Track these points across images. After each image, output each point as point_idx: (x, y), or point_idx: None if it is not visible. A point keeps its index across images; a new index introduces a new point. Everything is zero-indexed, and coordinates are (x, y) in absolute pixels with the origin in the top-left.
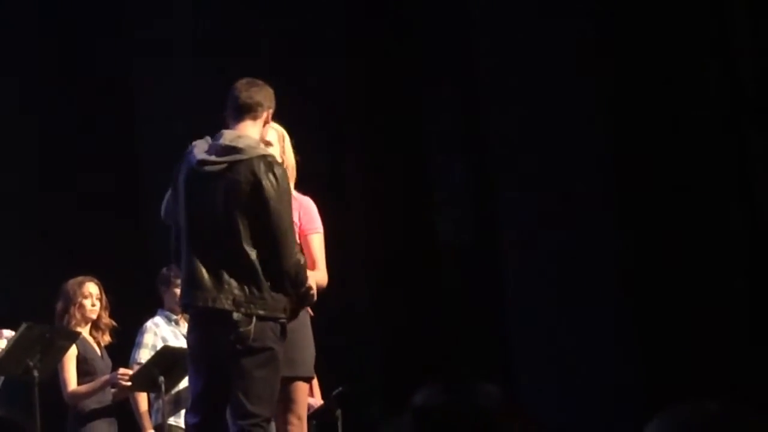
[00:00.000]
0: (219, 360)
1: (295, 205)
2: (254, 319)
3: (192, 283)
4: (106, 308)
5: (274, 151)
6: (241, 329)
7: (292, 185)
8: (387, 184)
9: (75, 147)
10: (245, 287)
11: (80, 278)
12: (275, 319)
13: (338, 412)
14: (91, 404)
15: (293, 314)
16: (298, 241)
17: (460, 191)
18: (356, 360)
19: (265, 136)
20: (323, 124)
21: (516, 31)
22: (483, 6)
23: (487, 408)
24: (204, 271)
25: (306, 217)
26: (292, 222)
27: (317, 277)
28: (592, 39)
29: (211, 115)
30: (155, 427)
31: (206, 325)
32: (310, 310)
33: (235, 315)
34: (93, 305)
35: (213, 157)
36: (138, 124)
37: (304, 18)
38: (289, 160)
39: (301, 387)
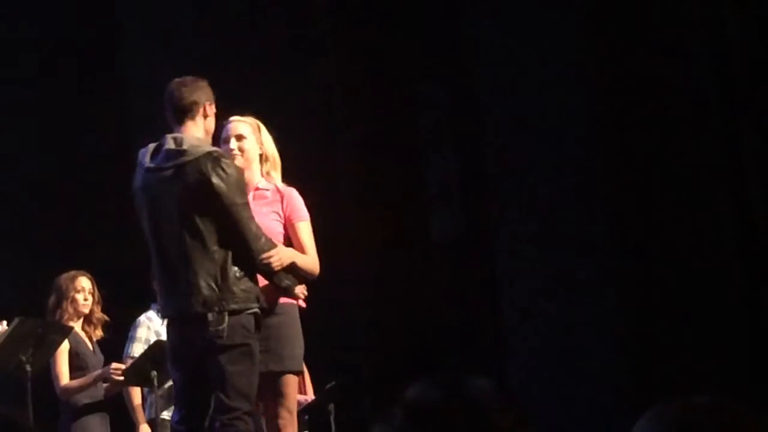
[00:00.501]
0: (196, 360)
1: (277, 196)
2: (226, 316)
3: (163, 292)
4: (98, 303)
5: (250, 143)
6: (212, 329)
7: (278, 175)
8: (379, 180)
9: (67, 141)
10: (214, 286)
11: (72, 272)
12: (249, 311)
13: (331, 407)
14: (83, 399)
15: (273, 299)
16: (281, 230)
17: (452, 186)
18: (349, 355)
19: (211, 129)
20: (315, 118)
21: (510, 24)
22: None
23: (479, 402)
24: (172, 277)
25: (291, 206)
26: (249, 211)
27: (308, 262)
28: (586, 33)
29: None
30: (148, 422)
31: (181, 328)
32: (302, 303)
33: (210, 315)
34: (85, 300)
35: (160, 163)
36: (130, 117)
37: (297, 11)
38: (269, 149)
39: (291, 381)
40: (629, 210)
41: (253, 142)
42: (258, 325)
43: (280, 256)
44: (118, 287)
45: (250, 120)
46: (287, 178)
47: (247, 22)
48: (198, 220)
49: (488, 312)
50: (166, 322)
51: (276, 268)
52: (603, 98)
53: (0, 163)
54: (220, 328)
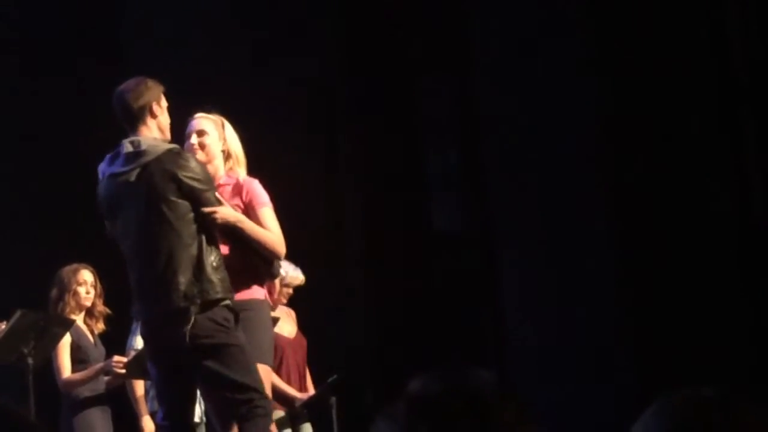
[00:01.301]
0: (177, 358)
1: (238, 188)
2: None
3: (141, 294)
4: (100, 296)
5: (212, 139)
6: (188, 331)
7: (242, 171)
8: (381, 172)
9: (71, 132)
10: (192, 278)
11: (75, 265)
12: (225, 301)
13: (332, 400)
14: (85, 392)
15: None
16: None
17: (454, 179)
18: (350, 348)
19: (166, 125)
20: (317, 110)
21: (512, 17)
22: None
23: (482, 395)
24: (149, 277)
25: (251, 194)
26: (215, 196)
27: (269, 238)
28: (588, 28)
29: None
30: (151, 414)
31: (162, 326)
32: (269, 298)
33: (192, 308)
34: (87, 293)
35: (122, 168)
36: None
37: (300, 3)
38: (232, 146)
39: (261, 371)
40: (630, 204)
41: (216, 138)
42: (237, 319)
43: (223, 213)
44: (120, 280)
45: (215, 117)
46: (287, 173)
47: (247, 16)
48: (169, 215)
49: (489, 304)
50: (142, 321)
51: (220, 223)
52: (605, 93)
53: (1, 157)
54: (187, 328)
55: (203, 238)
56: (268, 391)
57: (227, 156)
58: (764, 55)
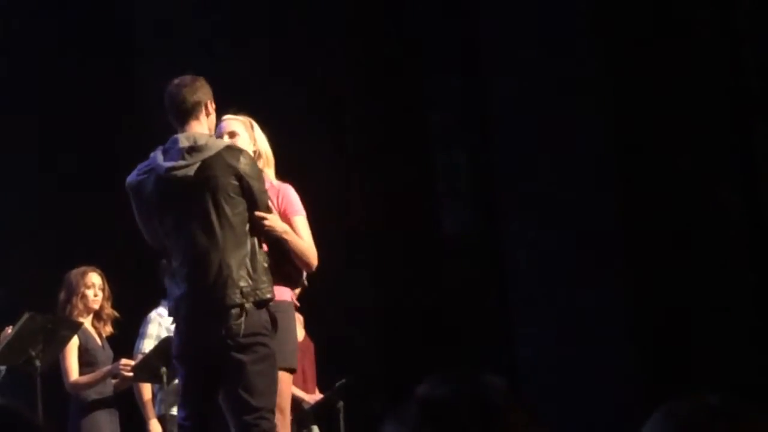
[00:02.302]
0: (212, 356)
1: (272, 191)
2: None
3: (191, 288)
4: (108, 299)
5: (243, 141)
6: (242, 324)
7: (271, 172)
8: (390, 175)
9: (76, 133)
10: (248, 276)
11: (83, 268)
12: (271, 302)
13: (340, 404)
14: (93, 395)
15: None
16: None
17: (462, 181)
18: (358, 352)
19: (213, 127)
20: (325, 112)
21: (520, 19)
22: None
23: (492, 399)
24: (202, 272)
25: (286, 201)
26: (268, 206)
27: (304, 248)
28: (596, 32)
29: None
30: (158, 418)
31: (204, 323)
32: (295, 300)
33: (247, 305)
34: (95, 296)
35: (181, 162)
36: (140, 115)
37: (308, 8)
38: (262, 147)
39: (283, 377)
40: (640, 207)
41: (247, 140)
42: (275, 324)
43: (273, 221)
44: (128, 283)
45: (243, 118)
46: (298, 174)
47: (257, 19)
48: (228, 212)
49: (498, 306)
50: (177, 319)
51: (268, 229)
52: (616, 96)
53: (8, 160)
54: (240, 322)
55: (255, 238)
56: (288, 397)
57: (257, 157)
58: None
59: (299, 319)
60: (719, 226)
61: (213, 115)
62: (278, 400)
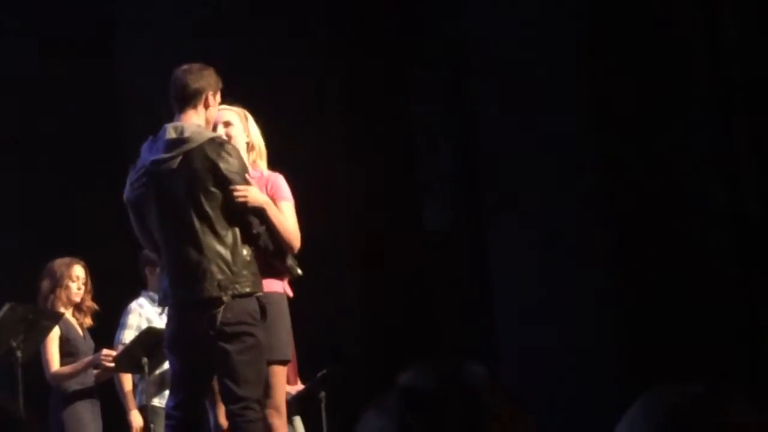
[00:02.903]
0: (199, 346)
1: (262, 181)
2: (231, 300)
3: (173, 280)
4: (89, 291)
5: (236, 131)
6: (219, 314)
7: (263, 164)
8: (372, 168)
9: (57, 124)
10: (226, 269)
11: (68, 259)
12: (256, 294)
13: (322, 395)
14: (74, 385)
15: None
16: None
17: (445, 176)
18: (340, 343)
19: (213, 119)
20: (310, 107)
21: (507, 17)
22: None
23: (474, 388)
24: (183, 264)
25: (275, 187)
26: (247, 182)
27: (289, 227)
28: (580, 20)
29: None
30: (139, 408)
31: (189, 314)
32: (288, 291)
33: (224, 298)
34: (79, 288)
35: (164, 155)
36: (124, 105)
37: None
38: (255, 139)
39: (278, 371)
40: (624, 201)
41: (240, 131)
42: (264, 313)
43: (253, 193)
44: (109, 274)
45: (238, 109)
46: (280, 167)
47: (242, 13)
48: (206, 205)
49: (480, 301)
50: (168, 309)
51: (244, 203)
52: (598, 89)
53: None
54: (220, 309)
55: (237, 231)
56: (283, 392)
57: (250, 148)
58: (757, 51)
59: None
60: (701, 219)
61: (214, 108)
62: (274, 396)
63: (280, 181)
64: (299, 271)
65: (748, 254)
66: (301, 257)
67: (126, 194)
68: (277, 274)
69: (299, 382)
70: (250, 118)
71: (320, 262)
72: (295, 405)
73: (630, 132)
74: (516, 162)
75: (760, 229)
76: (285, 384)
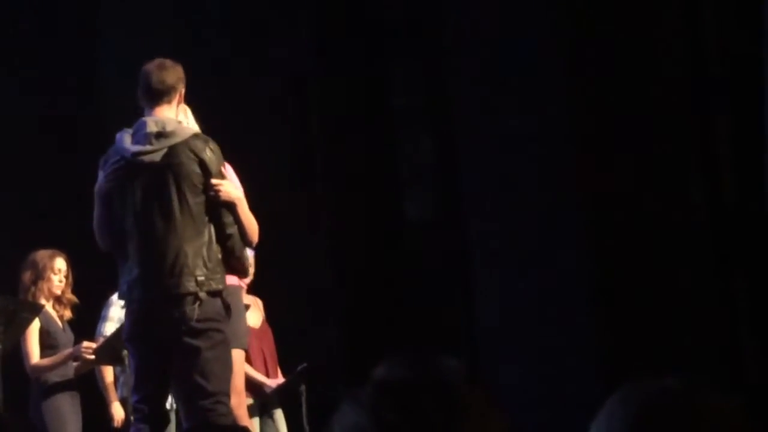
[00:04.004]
0: (168, 340)
1: None
2: (200, 302)
3: (148, 273)
4: (69, 284)
5: (189, 125)
6: (195, 311)
7: None
8: (352, 162)
9: (38, 120)
10: (204, 266)
11: (50, 252)
12: (223, 292)
13: (302, 388)
14: (54, 377)
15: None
16: None
17: (426, 168)
18: (320, 336)
19: (178, 116)
20: (286, 99)
21: (487, 8)
22: None
23: (449, 381)
24: (159, 258)
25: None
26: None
27: (251, 221)
28: (558, 12)
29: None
30: (120, 400)
31: (161, 307)
32: (242, 283)
33: (201, 294)
34: (60, 281)
35: (148, 146)
36: (104, 99)
37: None
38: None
39: (237, 357)
40: (603, 194)
41: (193, 123)
42: (228, 309)
43: (228, 188)
44: (90, 266)
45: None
46: (258, 160)
47: (222, 13)
48: (190, 200)
49: (460, 293)
50: (132, 301)
51: (217, 195)
52: (578, 83)
53: None
54: (194, 307)
55: (212, 228)
56: (242, 376)
57: None
58: (738, 47)
59: (258, 303)
60: (682, 220)
61: (183, 104)
62: (233, 379)
63: (230, 171)
64: (251, 273)
65: (728, 248)
66: (281, 250)
67: (98, 184)
68: (232, 271)
69: (280, 375)
70: (189, 111)
71: (300, 255)
72: (276, 398)
73: (610, 126)
74: (496, 153)
75: (738, 227)
76: (244, 368)
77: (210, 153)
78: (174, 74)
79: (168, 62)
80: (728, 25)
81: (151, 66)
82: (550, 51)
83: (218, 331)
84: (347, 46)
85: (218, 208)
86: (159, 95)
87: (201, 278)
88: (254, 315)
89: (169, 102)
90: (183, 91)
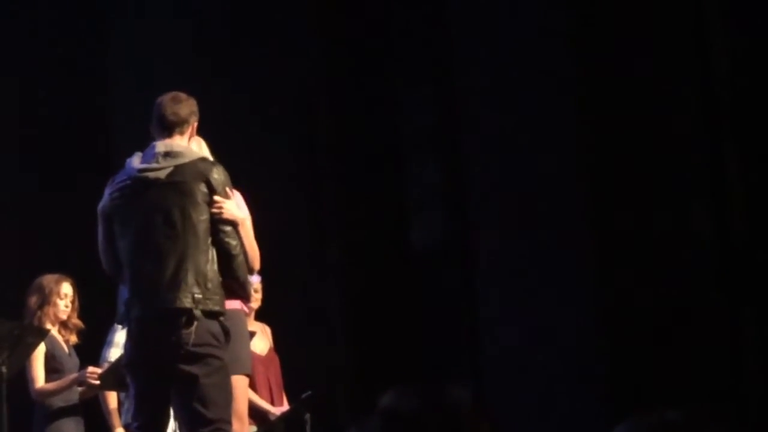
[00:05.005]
0: (165, 364)
1: None
2: (196, 321)
3: (146, 291)
4: (75, 309)
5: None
6: (192, 334)
7: None
8: (359, 187)
9: (45, 141)
10: (203, 285)
11: (57, 276)
12: (221, 316)
13: (307, 416)
14: (58, 402)
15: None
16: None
17: (433, 195)
18: (325, 363)
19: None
20: (295, 123)
21: (494, 32)
22: (463, 8)
23: (456, 411)
24: (159, 275)
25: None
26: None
27: (253, 247)
28: (567, 39)
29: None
30: (124, 426)
31: (158, 328)
32: (245, 308)
33: (196, 312)
34: (66, 306)
35: (154, 164)
36: (113, 123)
37: (279, 11)
38: None
39: (239, 383)
40: (610, 222)
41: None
42: (227, 335)
43: (230, 207)
44: (96, 291)
45: (195, 137)
46: (266, 182)
47: (230, 28)
48: (194, 218)
49: (466, 322)
50: (130, 323)
51: (219, 213)
52: (585, 108)
53: None
54: (190, 330)
55: (214, 251)
56: (245, 402)
57: None
58: (746, 75)
59: (266, 330)
60: (688, 242)
61: (195, 138)
62: (235, 405)
63: (238, 197)
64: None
65: (735, 278)
66: (288, 275)
67: (101, 204)
68: (234, 295)
69: (285, 403)
70: (204, 144)
71: (306, 280)
72: (281, 426)
73: (619, 153)
74: (504, 182)
75: (745, 255)
76: (247, 394)
77: (216, 174)
78: (187, 107)
79: (182, 95)
80: (739, 55)
81: (166, 98)
82: (559, 84)
83: (216, 357)
84: (358, 71)
85: (223, 228)
86: (171, 127)
87: (198, 296)
88: (261, 342)
89: (182, 134)
90: (196, 124)
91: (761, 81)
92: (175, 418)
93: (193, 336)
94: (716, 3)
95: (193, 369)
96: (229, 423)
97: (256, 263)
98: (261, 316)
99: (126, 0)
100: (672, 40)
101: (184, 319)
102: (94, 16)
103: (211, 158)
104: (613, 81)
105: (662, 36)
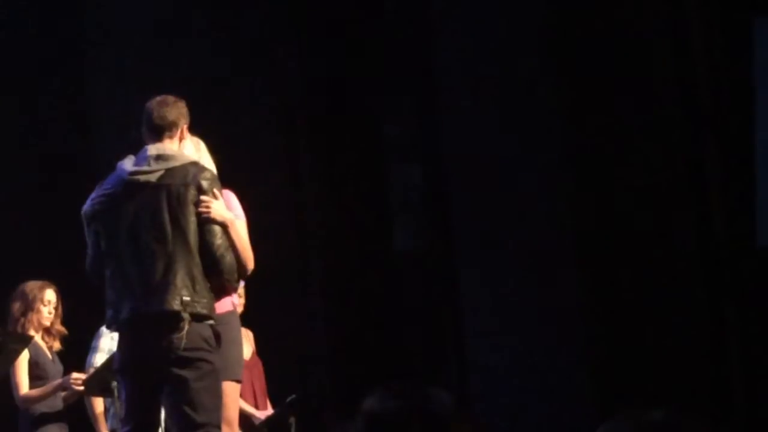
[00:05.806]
0: (155, 369)
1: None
2: (187, 325)
3: (135, 293)
4: (59, 316)
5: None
6: (183, 339)
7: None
8: (343, 191)
9: (26, 147)
10: (191, 288)
11: (40, 283)
12: (210, 321)
13: (291, 420)
14: (42, 408)
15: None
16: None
17: (416, 198)
18: (310, 367)
19: (183, 148)
20: (279, 128)
21: (476, 39)
22: (444, 13)
23: (438, 413)
24: (148, 277)
25: (228, 205)
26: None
27: (245, 247)
28: (549, 43)
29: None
30: (110, 431)
31: (146, 331)
32: (237, 305)
33: (184, 315)
34: (50, 313)
35: (146, 167)
36: (94, 126)
37: (265, 19)
38: (209, 166)
39: (230, 389)
40: (593, 226)
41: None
42: (218, 339)
43: (218, 207)
44: (80, 296)
45: (193, 138)
46: (249, 187)
47: (215, 32)
48: (182, 221)
49: (449, 323)
50: (119, 328)
51: (207, 212)
52: (566, 114)
53: None
54: (181, 335)
55: (205, 251)
56: (236, 409)
57: None
58: (727, 82)
59: (248, 335)
60: (673, 249)
61: (186, 141)
62: (225, 411)
63: (233, 199)
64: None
65: (717, 281)
66: (271, 280)
67: (85, 207)
68: (226, 293)
69: (269, 407)
70: (203, 146)
71: (289, 284)
72: (265, 430)
73: (601, 161)
74: (486, 184)
75: (729, 260)
76: (238, 400)
77: (206, 177)
78: (175, 110)
79: (170, 98)
80: (719, 59)
81: (153, 102)
82: (540, 89)
83: (207, 361)
84: (339, 75)
85: (209, 228)
86: (160, 130)
87: (186, 299)
88: (244, 347)
89: (171, 137)
90: (185, 126)
91: (740, 81)
92: (166, 422)
93: (184, 340)
94: (695, 3)
95: (184, 372)
96: (218, 427)
97: (250, 264)
98: (244, 320)
99: (105, 6)
100: (652, 41)
101: (172, 322)
102: (72, 16)
103: (209, 158)
104: (594, 82)
105: (642, 38)
